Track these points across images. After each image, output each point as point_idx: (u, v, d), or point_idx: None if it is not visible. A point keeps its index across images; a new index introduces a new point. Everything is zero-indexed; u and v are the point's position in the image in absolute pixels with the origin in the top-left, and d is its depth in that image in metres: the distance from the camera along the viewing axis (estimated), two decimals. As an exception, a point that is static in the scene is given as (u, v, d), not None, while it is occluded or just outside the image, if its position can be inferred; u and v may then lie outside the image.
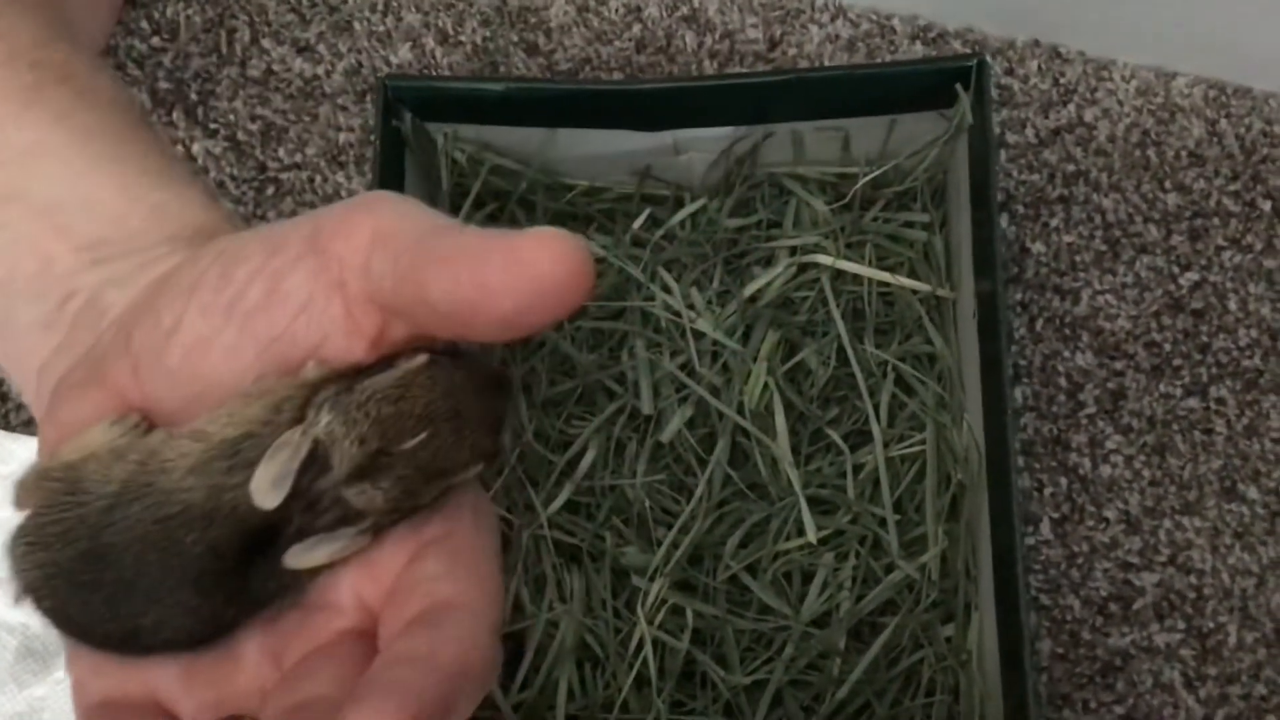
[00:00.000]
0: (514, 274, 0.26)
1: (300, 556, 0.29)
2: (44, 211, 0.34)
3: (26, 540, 0.30)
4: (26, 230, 0.34)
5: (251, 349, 0.30)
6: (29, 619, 0.63)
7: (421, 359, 0.29)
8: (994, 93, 0.69)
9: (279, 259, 0.30)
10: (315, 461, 0.28)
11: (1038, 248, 0.67)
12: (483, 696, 0.27)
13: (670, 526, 0.58)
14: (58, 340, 0.33)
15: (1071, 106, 0.69)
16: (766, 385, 0.61)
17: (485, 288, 0.27)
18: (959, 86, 0.56)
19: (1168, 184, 0.68)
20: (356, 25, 0.72)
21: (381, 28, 0.72)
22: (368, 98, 0.70)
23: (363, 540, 0.29)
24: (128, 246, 0.34)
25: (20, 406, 0.67)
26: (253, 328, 0.29)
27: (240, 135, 0.70)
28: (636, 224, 0.63)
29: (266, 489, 0.28)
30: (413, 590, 0.29)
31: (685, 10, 0.71)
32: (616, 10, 0.71)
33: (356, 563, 0.30)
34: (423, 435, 0.29)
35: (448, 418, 0.29)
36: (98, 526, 0.29)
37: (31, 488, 0.30)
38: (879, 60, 0.69)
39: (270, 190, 0.69)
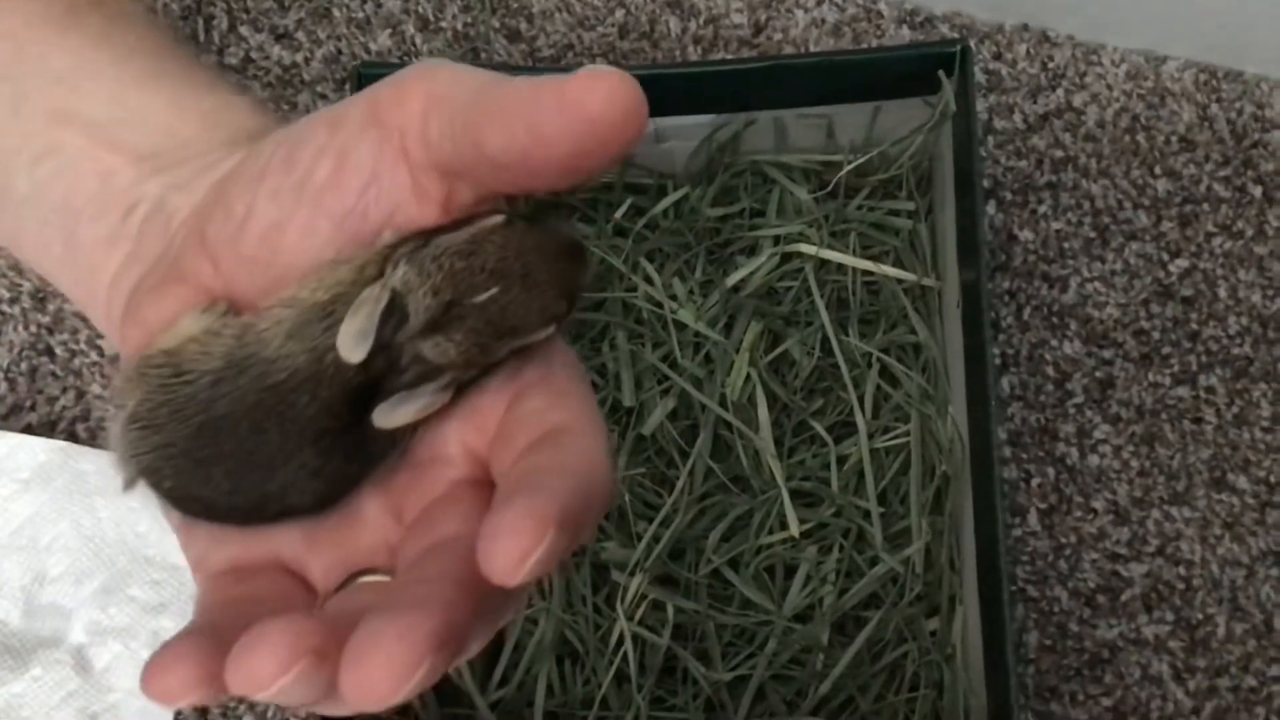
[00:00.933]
0: (567, 117, 0.26)
1: (386, 415, 0.30)
2: (97, 130, 0.35)
3: (139, 425, 0.31)
4: (81, 149, 0.35)
5: (325, 226, 0.30)
6: (5, 615, 0.63)
7: (496, 219, 0.30)
8: (981, 78, 0.68)
9: (341, 135, 0.30)
10: (394, 314, 0.29)
11: (1025, 235, 0.66)
12: (600, 519, 0.27)
13: (651, 520, 0.57)
14: (125, 252, 0.34)
15: (1060, 91, 0.68)
16: (749, 376, 0.60)
17: (540, 135, 0.27)
18: (942, 73, 0.55)
19: (1157, 169, 0.67)
20: (335, 12, 0.71)
21: (361, 14, 0.71)
22: (347, 85, 0.69)
23: (443, 397, 0.30)
24: (184, 154, 0.34)
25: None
26: (324, 205, 0.30)
27: (218, 124, 0.69)
28: (618, 213, 0.62)
29: (351, 343, 0.29)
30: (522, 424, 0.30)
31: (668, -5, 0.70)
32: (598, -5, 0.70)
33: (460, 414, 0.31)
34: (493, 290, 0.29)
35: (518, 276, 0.30)
36: (208, 401, 0.30)
37: (135, 378, 0.31)
38: (865, 45, 0.68)
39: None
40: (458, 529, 0.29)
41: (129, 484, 0.32)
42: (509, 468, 0.29)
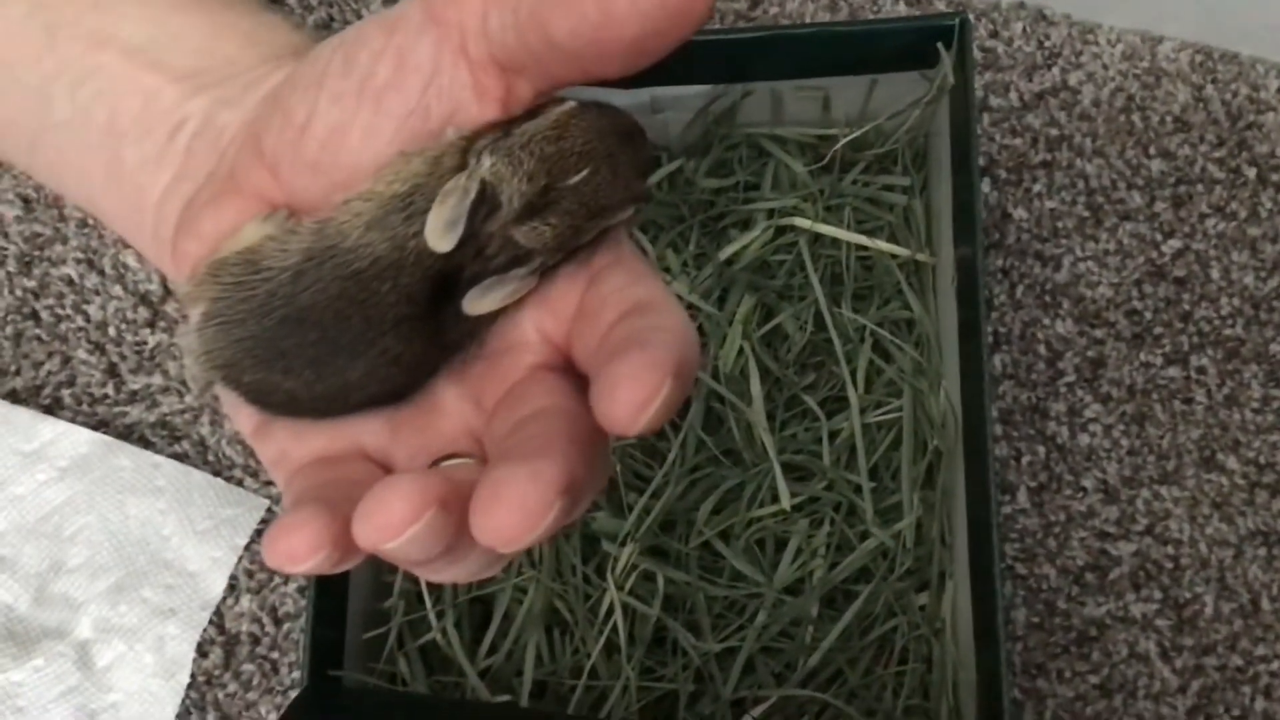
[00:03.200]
0: None
1: (477, 301, 0.30)
2: (136, 51, 0.35)
3: (218, 321, 0.31)
4: (122, 71, 0.35)
5: (388, 126, 0.30)
6: (15, 601, 0.62)
7: (572, 104, 0.30)
8: (977, 55, 0.68)
9: (400, 35, 0.30)
10: (484, 203, 0.29)
11: (1019, 213, 0.66)
12: (691, 387, 0.28)
13: (642, 492, 0.57)
14: (173, 170, 0.34)
15: (1056, 70, 0.68)
16: (742, 350, 0.60)
17: (610, 14, 0.27)
18: (940, 46, 0.54)
19: (1152, 150, 0.67)
20: (328, -22, 0.70)
21: (354, -19, 0.70)
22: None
23: (531, 281, 0.30)
24: (228, 71, 0.34)
25: (-19, 365, 0.66)
26: (386, 105, 0.30)
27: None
28: (612, 184, 0.62)
29: (441, 232, 0.29)
30: (605, 301, 0.30)
31: (665, -33, 0.69)
32: (594, -34, 0.70)
33: (533, 302, 0.31)
34: (585, 172, 0.30)
35: (605, 156, 0.30)
36: (291, 294, 0.30)
37: (204, 279, 0.31)
38: (862, 19, 0.68)
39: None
40: (547, 402, 0.29)
41: (204, 385, 0.32)
42: (601, 339, 0.29)
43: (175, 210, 0.34)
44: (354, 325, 0.30)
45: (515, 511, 0.25)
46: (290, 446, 0.33)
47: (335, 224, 0.30)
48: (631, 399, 0.25)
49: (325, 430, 0.32)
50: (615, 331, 0.29)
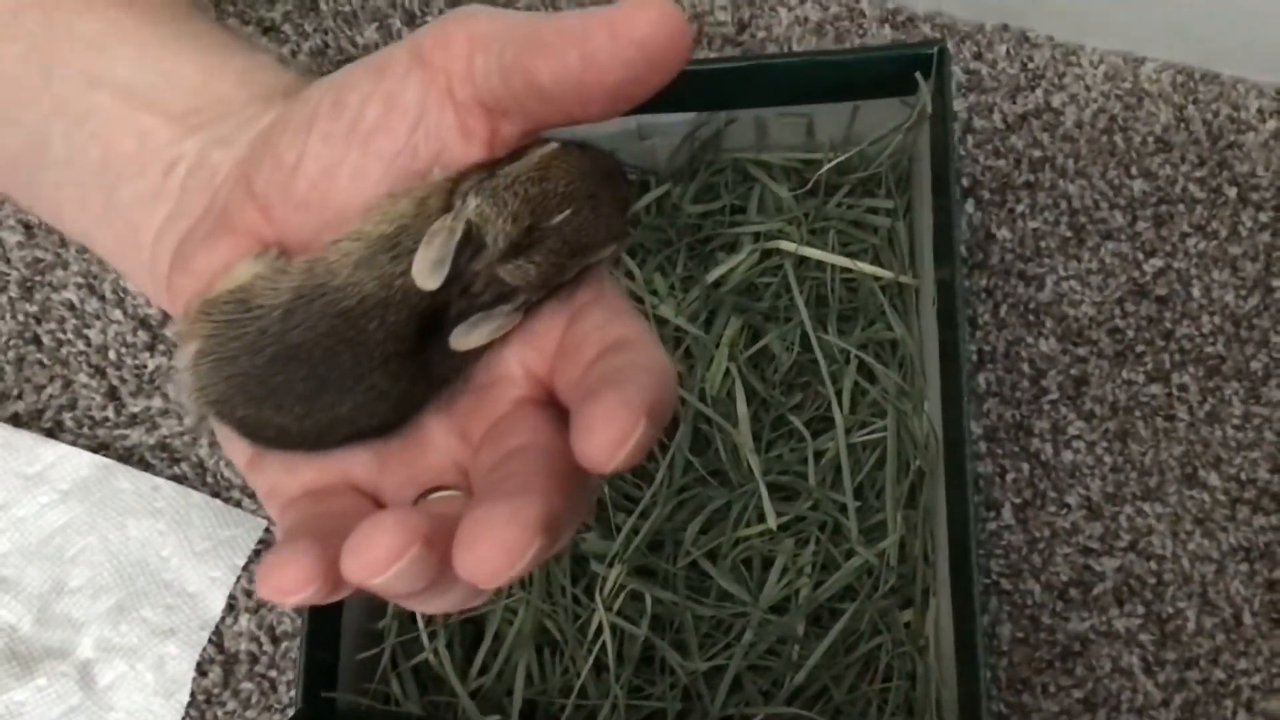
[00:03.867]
0: (618, 44, 0.28)
1: (463, 337, 0.31)
2: (131, 91, 0.36)
3: (211, 359, 0.32)
4: (117, 111, 0.36)
5: (376, 167, 0.31)
6: (18, 621, 0.64)
7: (554, 145, 0.32)
8: (962, 77, 0.69)
9: (388, 79, 0.31)
10: (469, 243, 0.30)
11: (1003, 233, 0.67)
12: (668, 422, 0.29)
13: (630, 512, 0.58)
14: (168, 208, 0.35)
15: (1039, 92, 0.69)
16: (729, 371, 0.61)
17: (592, 62, 0.28)
18: (919, 75, 0.56)
19: (1134, 170, 0.68)
20: (323, 5, 0.72)
21: (348, 7, 0.71)
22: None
23: (516, 317, 0.32)
24: (221, 110, 0.35)
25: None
26: (375, 147, 0.31)
27: (205, 117, 0.69)
28: (601, 209, 0.63)
29: (428, 271, 0.30)
30: (586, 338, 0.31)
31: (653, -8, 0.70)
32: (584, -8, 0.71)
33: (518, 338, 0.32)
34: (568, 211, 0.31)
35: (586, 196, 0.31)
36: (281, 332, 0.31)
37: (197, 318, 0.33)
38: (847, 43, 0.69)
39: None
40: (530, 439, 0.30)
41: (198, 419, 0.33)
42: (581, 375, 0.30)
43: (169, 247, 0.35)
44: (343, 362, 0.31)
45: (495, 549, 0.26)
46: (281, 479, 0.34)
47: (324, 263, 0.31)
48: (606, 439, 0.26)
49: (315, 463, 0.33)
50: (593, 370, 0.30)
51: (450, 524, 0.27)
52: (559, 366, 0.32)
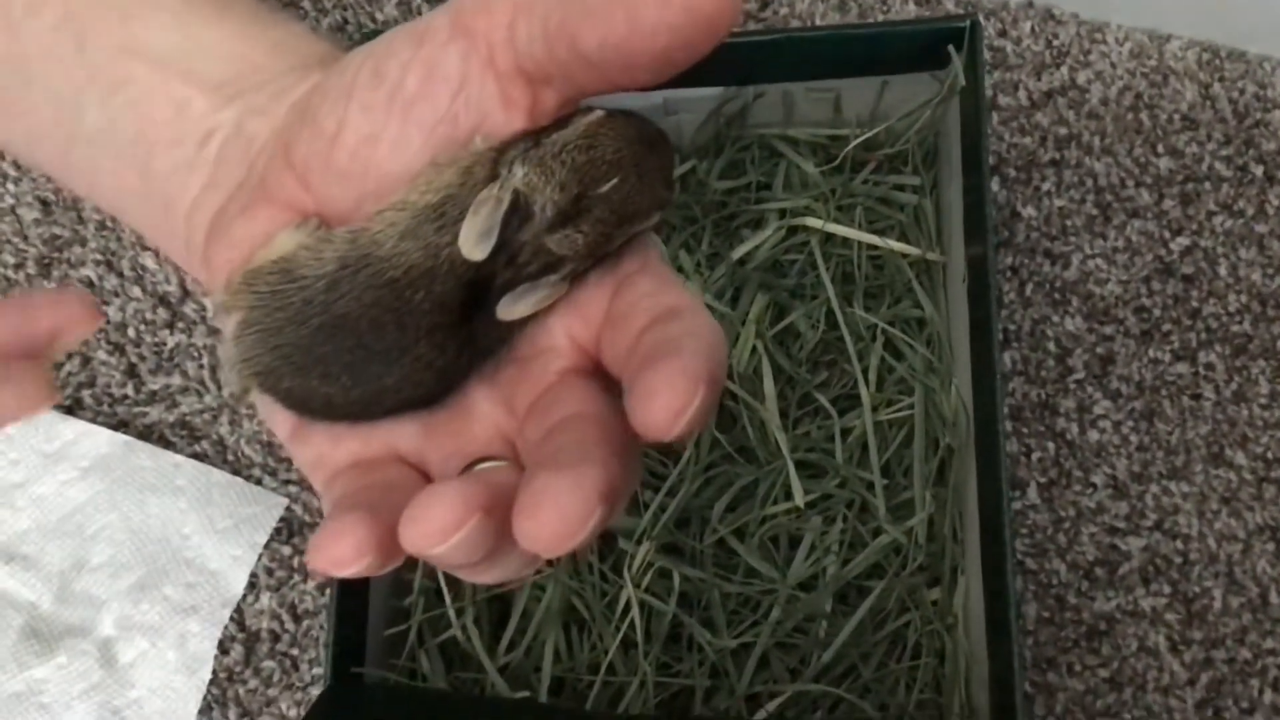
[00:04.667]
0: (666, 7, 0.27)
1: (510, 307, 0.31)
2: (166, 62, 0.35)
3: (255, 330, 0.32)
4: (152, 82, 0.35)
5: (417, 137, 0.31)
6: (39, 599, 0.63)
7: (600, 113, 0.31)
8: (986, 54, 0.68)
9: (428, 47, 0.31)
10: (516, 213, 0.30)
11: (1029, 212, 0.67)
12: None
13: (657, 490, 0.57)
14: (203, 179, 0.35)
15: (1064, 69, 0.69)
16: (755, 349, 0.60)
17: (639, 26, 0.27)
18: (951, 48, 0.55)
19: (1160, 148, 0.68)
20: (342, -19, 0.71)
21: (368, -16, 0.71)
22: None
23: (562, 287, 0.31)
24: (257, 80, 0.35)
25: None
26: (416, 115, 0.31)
27: (224, 93, 0.69)
28: (625, 185, 0.63)
29: (475, 241, 0.30)
30: (635, 307, 0.30)
31: (676, -32, 0.70)
32: (606, -32, 0.70)
33: (563, 308, 0.32)
34: (615, 180, 0.31)
35: (633, 164, 0.31)
36: (326, 302, 0.31)
37: (240, 289, 0.32)
38: (870, 20, 0.69)
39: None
40: (582, 408, 0.30)
41: (242, 391, 0.33)
42: (634, 344, 0.30)
43: (206, 219, 0.35)
44: (389, 333, 0.31)
45: (559, 519, 0.26)
46: (327, 450, 0.34)
47: (369, 233, 0.31)
48: (668, 407, 0.26)
49: (361, 434, 0.33)
50: (646, 338, 0.29)
51: (506, 494, 0.27)
52: (607, 336, 0.31)
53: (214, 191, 0.35)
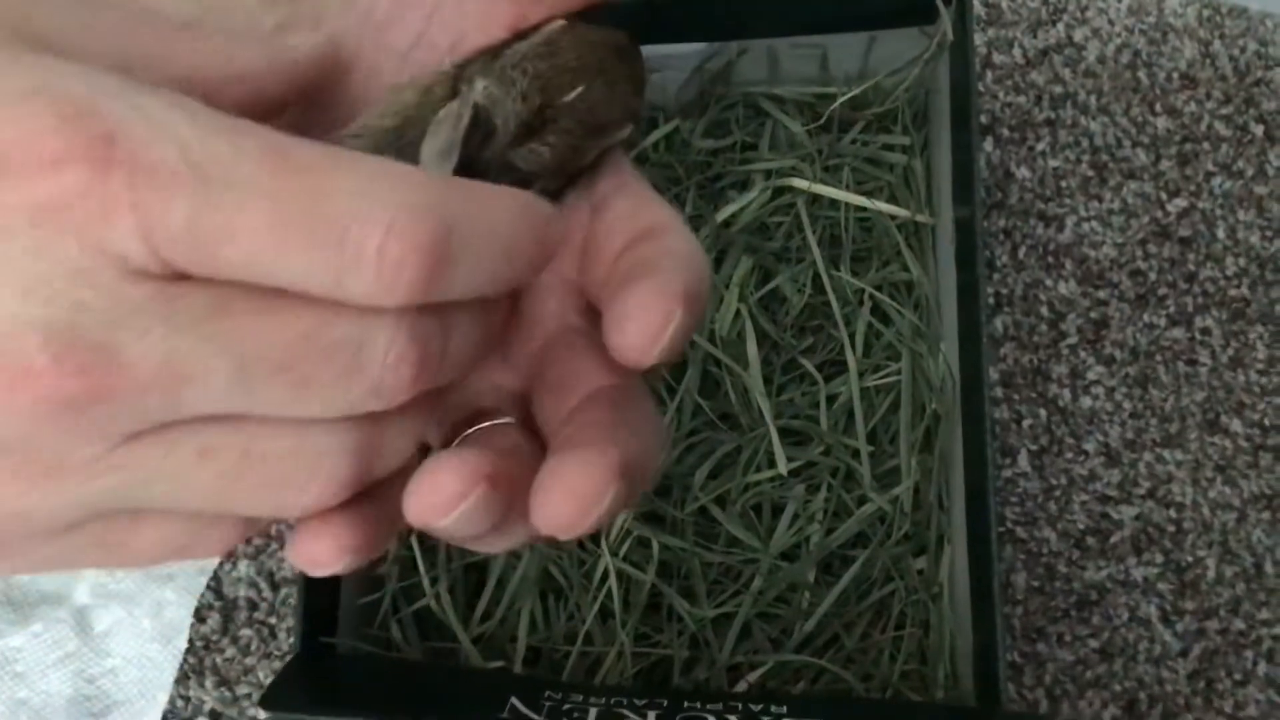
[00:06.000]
0: None
1: None
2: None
3: None
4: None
5: (388, 63, 0.29)
6: None
7: (560, 22, 0.30)
8: (980, 11, 0.67)
9: None
10: (478, 129, 0.28)
11: (1022, 172, 0.65)
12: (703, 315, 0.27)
13: (637, 457, 0.56)
14: None
15: (1060, 26, 0.67)
16: (739, 313, 0.59)
17: None
18: (940, 1, 0.53)
19: (1158, 107, 0.66)
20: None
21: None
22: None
23: None
24: (226, 16, 0.33)
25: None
26: (387, 41, 0.29)
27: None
28: (607, 145, 0.61)
29: (436, 161, 0.28)
30: (610, 231, 0.29)
31: (661, -78, 0.68)
32: (590, -78, 0.68)
33: None
34: (580, 88, 0.29)
35: (598, 72, 0.29)
36: None
37: None
38: (862, -24, 0.67)
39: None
40: (596, 382, 0.29)
41: None
42: (610, 267, 0.28)
43: None
44: None
45: (571, 501, 0.24)
46: None
47: None
48: (643, 330, 0.25)
49: None
50: (622, 260, 0.28)
51: (512, 461, 0.26)
52: (585, 263, 0.30)
53: None
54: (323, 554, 0.25)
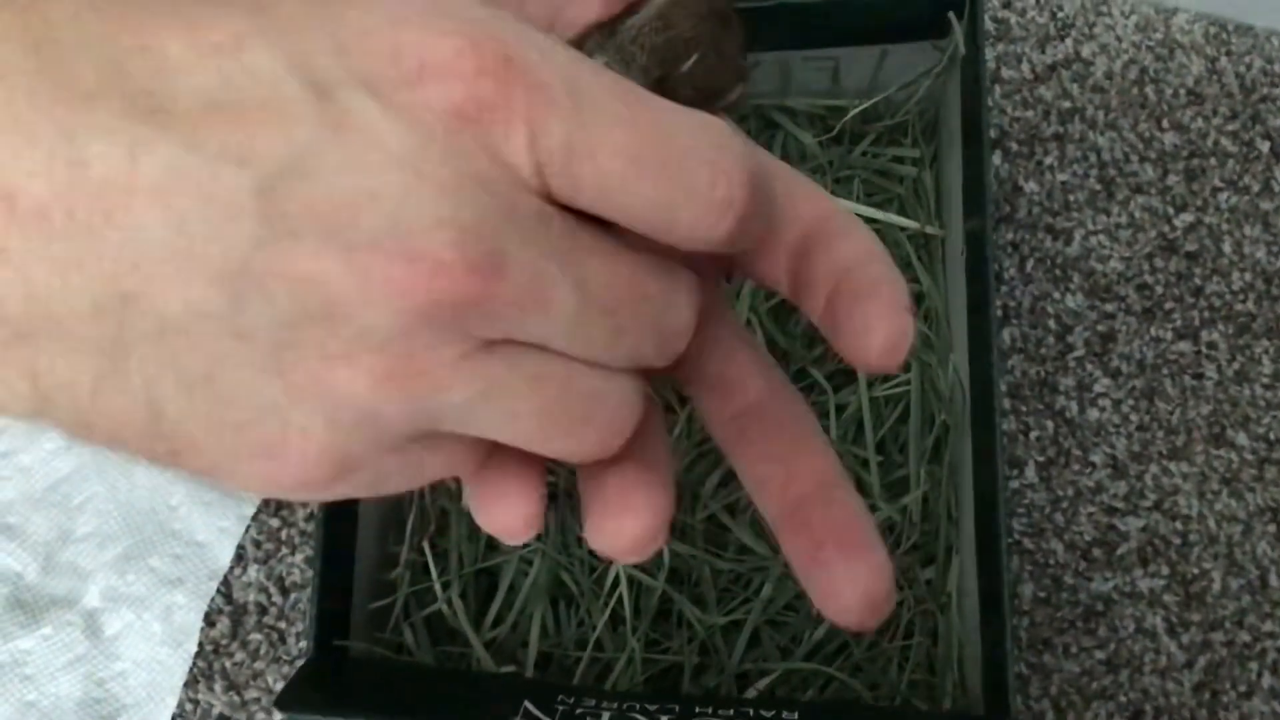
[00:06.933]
0: None
1: None
2: None
3: None
4: None
5: None
6: (24, 569, 0.63)
7: None
8: (989, 26, 0.67)
9: None
10: None
11: (1030, 186, 0.66)
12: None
13: (648, 464, 0.56)
14: None
15: (1069, 42, 0.67)
16: (750, 322, 0.59)
17: None
18: (951, 15, 0.54)
19: (1165, 123, 0.66)
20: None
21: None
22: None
23: None
24: None
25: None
26: None
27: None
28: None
29: None
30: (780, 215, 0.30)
31: (674, -64, 0.69)
32: (603, -65, 0.69)
33: None
34: (695, 56, 0.30)
35: (710, 41, 0.30)
36: None
37: None
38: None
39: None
40: (752, 386, 0.29)
41: None
42: (798, 258, 0.28)
43: None
44: None
45: (865, 598, 0.26)
46: None
47: None
48: (887, 342, 0.26)
49: None
50: (823, 262, 0.28)
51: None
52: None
53: None
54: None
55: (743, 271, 0.31)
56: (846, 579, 0.26)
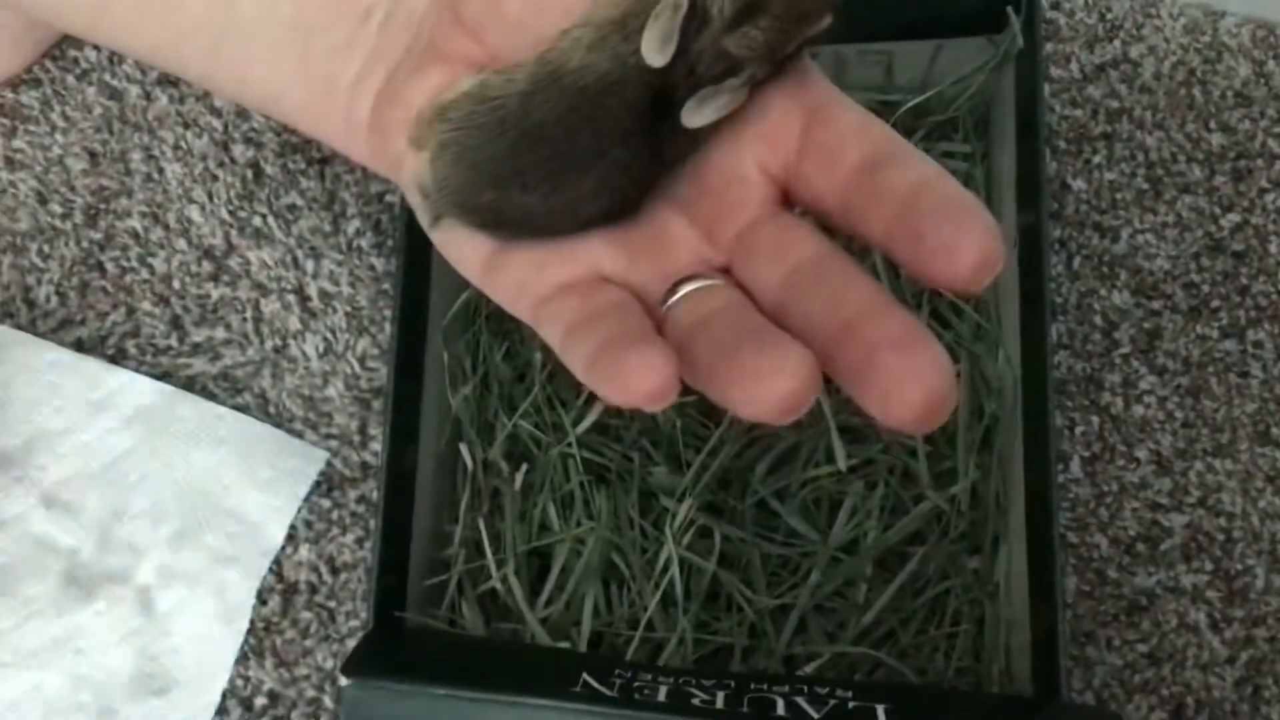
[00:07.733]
0: None
1: (694, 112, 0.32)
2: None
3: (452, 150, 0.33)
4: None
5: None
6: (79, 545, 0.63)
7: None
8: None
9: None
10: (694, 19, 0.31)
11: (1078, 184, 0.66)
12: None
13: (699, 449, 0.57)
14: (366, 53, 0.36)
15: (1117, 42, 0.68)
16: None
17: None
18: (1009, 9, 0.55)
19: (1212, 124, 0.67)
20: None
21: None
22: None
23: (743, 93, 0.32)
24: None
25: (47, 314, 0.67)
26: None
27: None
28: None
29: (657, 47, 0.31)
30: (842, 142, 0.31)
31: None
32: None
33: (750, 136, 0.33)
34: None
35: None
36: (522, 114, 0.32)
37: (430, 123, 0.34)
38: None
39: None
40: (816, 250, 0.31)
41: (433, 220, 0.35)
42: (855, 179, 0.30)
43: (369, 91, 0.36)
44: (584, 138, 0.32)
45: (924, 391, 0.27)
46: (529, 277, 0.34)
47: (556, 50, 0.32)
48: (982, 255, 0.27)
49: (564, 258, 0.34)
50: (893, 174, 0.29)
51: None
52: (814, 167, 0.32)
53: (377, 64, 0.36)
54: (658, 384, 0.28)
55: (796, 195, 0.32)
56: (909, 373, 0.27)
